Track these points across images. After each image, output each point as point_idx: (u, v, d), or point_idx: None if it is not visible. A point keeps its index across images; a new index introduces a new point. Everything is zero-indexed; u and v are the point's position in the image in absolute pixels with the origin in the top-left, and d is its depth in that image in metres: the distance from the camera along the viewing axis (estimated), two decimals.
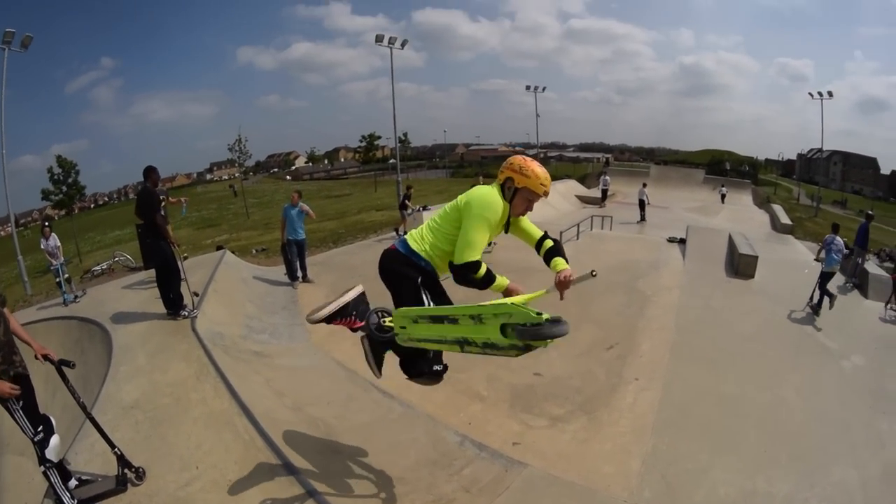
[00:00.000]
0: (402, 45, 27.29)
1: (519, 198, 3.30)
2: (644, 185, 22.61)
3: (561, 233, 13.22)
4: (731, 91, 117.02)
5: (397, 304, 3.48)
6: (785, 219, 23.72)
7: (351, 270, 10.76)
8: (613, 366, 7.30)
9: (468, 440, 5.09)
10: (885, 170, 68.79)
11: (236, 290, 8.89)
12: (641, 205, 22.20)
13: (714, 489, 4.99)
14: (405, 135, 65.86)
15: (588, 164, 59.65)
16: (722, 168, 53.30)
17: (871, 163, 71.90)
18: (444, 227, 3.33)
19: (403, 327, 3.28)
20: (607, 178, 27.00)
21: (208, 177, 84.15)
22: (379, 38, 26.35)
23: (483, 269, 3.21)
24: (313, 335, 7.60)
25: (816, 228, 24.28)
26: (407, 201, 14.77)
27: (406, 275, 3.42)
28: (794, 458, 5.57)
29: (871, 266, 12.59)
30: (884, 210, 39.24)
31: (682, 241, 14.81)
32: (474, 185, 3.43)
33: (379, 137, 63.05)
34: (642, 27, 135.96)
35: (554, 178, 31.77)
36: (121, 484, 3.82)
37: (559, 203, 24.94)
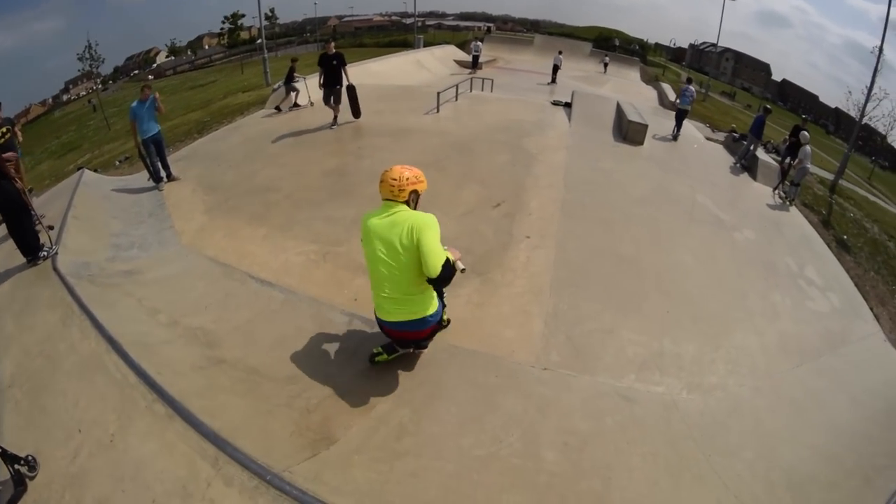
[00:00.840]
0: None
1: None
2: (560, 53, 28.89)
3: (439, 93, 13.81)
4: None
5: None
6: (673, 96, 26.36)
7: (217, 158, 10.97)
8: (502, 224, 7.60)
9: (356, 317, 5.36)
10: (777, 77, 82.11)
11: (99, 210, 8.84)
12: (555, 69, 27.74)
13: (622, 350, 5.44)
14: (272, 10, 69.60)
15: (468, 32, 63.77)
16: (610, 44, 56.83)
17: (764, 66, 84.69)
18: (410, 271, 4.14)
19: None
20: (479, 44, 29.78)
21: (65, 97, 77.62)
22: None
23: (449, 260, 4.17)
24: (183, 236, 7.73)
25: (704, 112, 27.89)
26: (294, 74, 15.75)
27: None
28: (696, 321, 6.28)
29: (762, 153, 14.56)
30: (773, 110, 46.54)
31: (568, 105, 15.71)
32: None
33: (243, 16, 66.85)
34: None
35: (432, 43, 31.96)
36: (18, 485, 3.72)
37: (436, 67, 26.31)
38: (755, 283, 7.68)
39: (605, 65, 35.49)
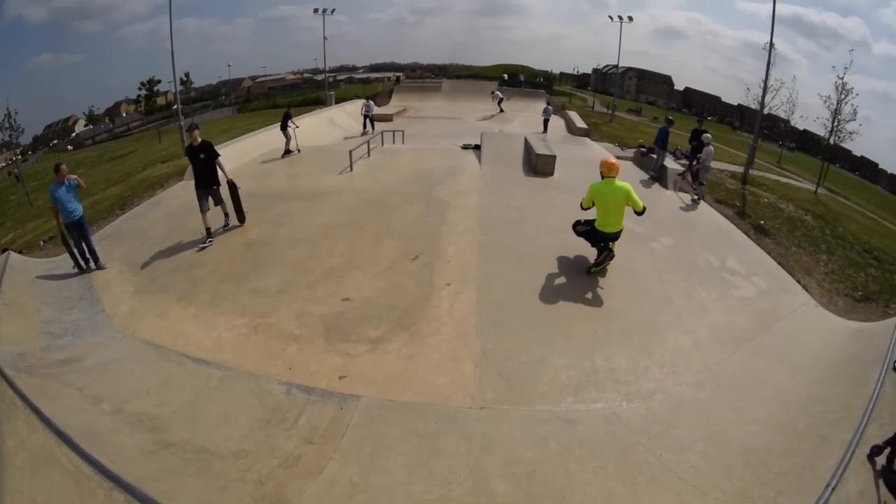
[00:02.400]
0: None
1: None
2: (500, 87, 38.67)
3: (350, 151, 14.14)
4: (529, 11, 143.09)
5: None
6: (580, 123, 28.37)
7: (141, 235, 10.86)
8: (422, 275, 7.89)
9: (294, 387, 5.64)
10: (679, 86, 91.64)
11: (28, 296, 8.77)
12: (500, 101, 34.26)
13: (556, 376, 5.76)
14: (187, 75, 69.39)
15: (379, 83, 64.92)
16: (516, 80, 59.49)
17: (666, 79, 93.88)
18: (623, 209, 7.94)
19: None
20: (370, 102, 28.34)
21: None
22: None
23: None
24: (115, 320, 7.76)
25: (612, 132, 29.22)
26: (290, 120, 16.74)
27: None
28: (625, 334, 6.67)
29: (669, 162, 15.52)
30: (678, 118, 50.04)
31: (478, 147, 16.33)
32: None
33: (158, 82, 66.67)
34: None
35: (343, 99, 32.31)
36: None
37: (348, 123, 26.78)
38: (678, 285, 8.21)
39: (500, 101, 34.89)
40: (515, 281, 7.70)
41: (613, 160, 8.05)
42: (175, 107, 29.60)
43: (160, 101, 69.43)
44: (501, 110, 34.37)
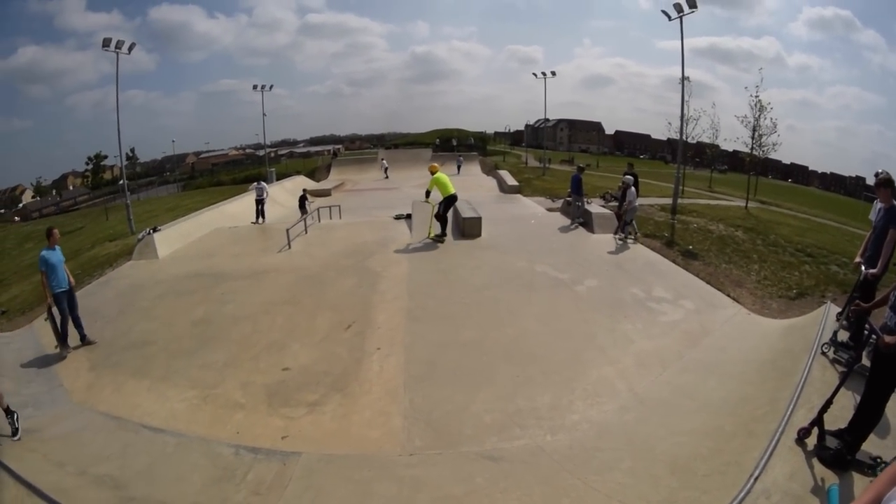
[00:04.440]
0: (130, 49, 27.61)
1: None
2: (460, 157, 42.86)
3: (288, 230, 14.94)
4: (462, 75, 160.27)
5: None
6: (511, 181, 30.14)
7: (94, 314, 10.81)
8: (354, 342, 8.52)
9: (241, 448, 6.15)
10: (610, 130, 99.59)
11: None
12: (459, 167, 40.01)
13: (479, 420, 6.28)
14: (132, 150, 73.76)
15: (318, 157, 68.03)
16: (449, 144, 61.89)
17: (596, 126, 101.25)
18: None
19: None
20: (263, 185, 26.11)
21: None
22: (106, 43, 26.17)
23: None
24: (74, 394, 8.15)
25: (545, 185, 30.93)
26: (306, 200, 20.70)
27: None
28: (547, 374, 7.28)
29: (594, 207, 16.74)
30: (611, 162, 53.19)
31: (409, 217, 17.22)
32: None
33: (105, 157, 69.65)
34: (379, 20, 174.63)
35: (284, 174, 33.35)
36: None
37: (288, 200, 27.51)
38: (602, 322, 8.94)
39: (385, 169, 40.18)
40: (441, 339, 8.38)
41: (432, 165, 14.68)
42: (121, 182, 29.79)
43: (107, 175, 71.39)
44: (387, 177, 38.52)
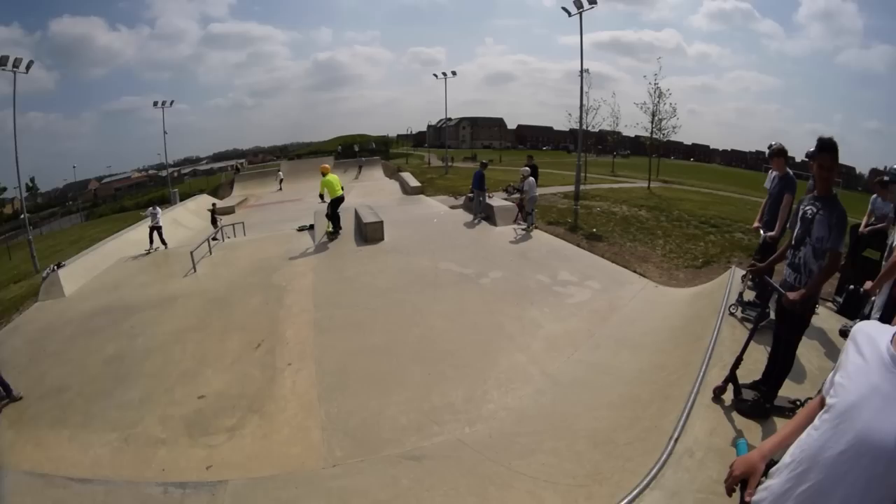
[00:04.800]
0: (28, 67, 25.76)
1: None
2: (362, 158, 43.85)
3: (192, 253, 14.43)
4: (364, 80, 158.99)
5: None
6: (414, 182, 30.26)
7: (5, 366, 10.09)
8: (266, 360, 8.34)
9: (169, 485, 5.94)
10: (512, 125, 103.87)
11: None
12: (359, 170, 40.32)
13: (396, 421, 6.29)
14: (32, 180, 70.02)
15: (222, 174, 65.88)
16: (352, 151, 61.72)
17: (498, 121, 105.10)
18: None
19: None
20: (157, 210, 27.86)
21: None
22: (3, 62, 24.46)
23: None
24: None
25: (447, 184, 31.33)
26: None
27: None
28: (458, 367, 7.41)
29: (495, 200, 17.12)
30: (514, 155, 55.25)
31: (312, 227, 16.97)
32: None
33: (4, 189, 65.82)
34: (282, 28, 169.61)
35: (188, 195, 31.82)
36: None
37: (192, 221, 26.73)
38: (509, 311, 9.16)
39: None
40: (350, 347, 8.38)
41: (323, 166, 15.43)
42: (22, 216, 27.91)
43: (7, 209, 67.40)
44: (280, 189, 38.26)
